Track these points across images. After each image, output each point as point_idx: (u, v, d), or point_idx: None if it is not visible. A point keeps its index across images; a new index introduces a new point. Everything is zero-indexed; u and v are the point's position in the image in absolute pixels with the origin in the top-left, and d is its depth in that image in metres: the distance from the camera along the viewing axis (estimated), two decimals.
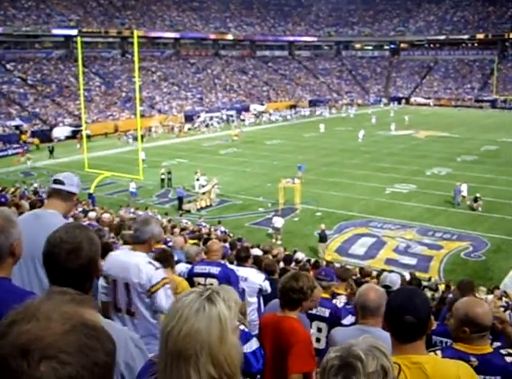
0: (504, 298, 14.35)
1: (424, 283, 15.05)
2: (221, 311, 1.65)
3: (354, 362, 1.67)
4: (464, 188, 29.82)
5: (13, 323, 1.09)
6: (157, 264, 4.51)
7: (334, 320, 5.34)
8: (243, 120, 68.01)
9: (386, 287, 5.80)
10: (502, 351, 3.49)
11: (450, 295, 9.43)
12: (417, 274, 17.16)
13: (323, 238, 23.27)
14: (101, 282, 4.57)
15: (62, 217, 3.87)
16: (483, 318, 3.31)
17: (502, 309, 11.33)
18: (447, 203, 29.96)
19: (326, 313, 5.55)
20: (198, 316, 1.62)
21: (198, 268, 6.56)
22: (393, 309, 2.89)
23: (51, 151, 45.55)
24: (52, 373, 1.00)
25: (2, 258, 2.65)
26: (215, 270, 6.26)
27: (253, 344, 4.01)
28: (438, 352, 3.29)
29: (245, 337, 3.97)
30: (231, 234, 23.03)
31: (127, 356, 2.41)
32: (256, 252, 13.46)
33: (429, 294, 11.12)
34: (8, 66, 67.06)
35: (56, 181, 4.02)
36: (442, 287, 15.65)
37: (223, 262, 6.93)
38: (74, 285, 2.35)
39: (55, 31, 72.67)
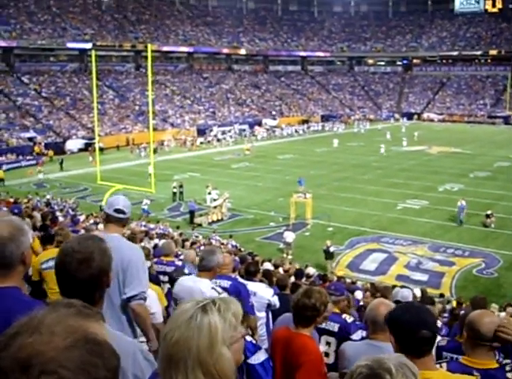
0: None
1: (436, 300, 14.93)
2: (212, 321, 1.66)
3: (383, 374, 1.67)
4: (462, 203, 29.39)
5: (16, 335, 1.07)
6: (220, 289, 5.09)
7: (343, 335, 5.30)
8: (255, 135, 68.09)
9: (398, 302, 5.76)
10: (507, 367, 3.49)
11: (462, 311, 9.36)
12: (428, 290, 17.06)
13: (328, 255, 23.15)
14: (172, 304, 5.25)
15: (125, 239, 4.51)
16: (483, 326, 3.31)
17: None
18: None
19: (335, 327, 5.51)
20: (190, 324, 1.64)
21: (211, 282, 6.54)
22: (405, 324, 2.84)
23: (61, 164, 45.78)
24: None
25: (13, 267, 2.66)
26: (225, 284, 6.24)
27: (260, 356, 3.98)
28: (444, 365, 3.30)
29: (252, 349, 3.95)
30: (242, 249, 23.00)
31: (136, 368, 2.41)
32: (267, 266, 13.45)
33: (440, 307, 11.01)
34: (23, 79, 67.79)
35: (118, 211, 4.45)
36: (453, 304, 15.53)
37: (233, 276, 6.92)
38: (84, 295, 2.35)
39: (70, 45, 73.45)
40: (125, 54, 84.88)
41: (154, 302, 6.15)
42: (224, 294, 4.91)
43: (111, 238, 4.02)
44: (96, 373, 1.04)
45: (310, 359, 3.99)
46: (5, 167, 45.04)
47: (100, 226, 17.46)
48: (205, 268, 5.26)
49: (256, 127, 72.30)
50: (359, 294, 13.78)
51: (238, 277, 7.08)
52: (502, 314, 13.17)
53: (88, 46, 71.90)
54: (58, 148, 53.57)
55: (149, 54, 29.16)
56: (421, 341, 2.77)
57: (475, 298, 7.35)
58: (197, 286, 4.95)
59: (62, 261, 2.49)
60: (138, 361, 2.45)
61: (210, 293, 4.82)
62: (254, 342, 4.09)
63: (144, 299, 4.33)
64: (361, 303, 9.79)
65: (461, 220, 28.84)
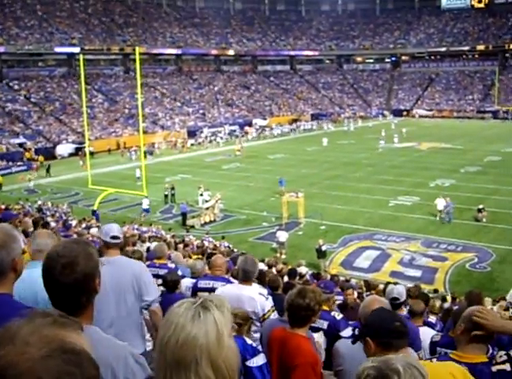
0: (511, 309, 14.27)
1: (430, 295, 14.98)
2: (216, 316, 1.69)
3: (391, 375, 1.68)
4: (441, 202, 29.17)
5: None
6: (266, 294, 5.60)
7: (333, 332, 5.32)
8: (243, 135, 68.00)
9: (394, 299, 5.78)
10: (496, 359, 3.50)
11: (456, 307, 9.39)
12: (422, 286, 17.10)
13: (321, 254, 23.17)
14: None
15: (126, 258, 5.33)
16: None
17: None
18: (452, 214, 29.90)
19: (325, 325, 5.53)
20: (194, 322, 1.65)
21: (202, 283, 6.55)
22: (380, 321, 3.07)
23: (48, 170, 45.51)
24: None
25: (4, 274, 2.64)
26: (220, 285, 6.25)
27: (260, 359, 3.98)
28: (434, 360, 3.32)
29: (252, 351, 3.95)
30: (235, 250, 22.99)
31: (127, 372, 2.41)
32: (260, 266, 13.44)
33: (438, 304, 11.02)
34: (11, 84, 67.53)
35: (114, 238, 5.08)
36: (448, 300, 15.58)
37: (227, 277, 6.92)
38: (70, 300, 2.33)
39: (58, 49, 73.22)
40: (113, 57, 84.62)
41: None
42: (268, 297, 5.51)
43: (118, 260, 4.86)
44: None
45: (306, 361, 3.98)
46: None
47: (92, 230, 17.43)
48: (249, 279, 5.63)
49: (246, 127, 72.27)
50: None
51: (231, 278, 7.09)
52: (495, 308, 13.22)
53: (76, 50, 71.69)
54: (49, 154, 53.35)
55: (137, 57, 29.07)
56: (396, 333, 2.96)
57: (470, 293, 7.33)
58: (247, 293, 5.40)
59: (46, 266, 2.45)
60: (130, 364, 2.44)
61: (260, 299, 5.37)
62: (254, 345, 4.09)
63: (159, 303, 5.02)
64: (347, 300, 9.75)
65: (449, 218, 28.68)
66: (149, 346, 6.18)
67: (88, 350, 1.12)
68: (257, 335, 5.01)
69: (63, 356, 1.03)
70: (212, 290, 6.29)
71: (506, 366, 3.35)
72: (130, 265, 4.88)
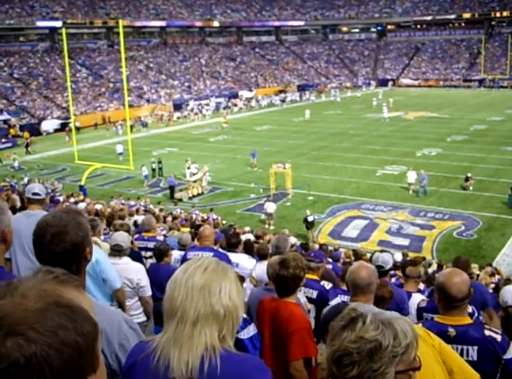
0: (497, 276, 14.47)
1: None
2: (227, 273, 1.97)
3: (357, 320, 1.75)
4: (412, 175, 28.79)
5: None
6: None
7: (322, 302, 5.36)
8: (229, 107, 67.69)
9: (379, 267, 5.82)
10: (486, 326, 3.57)
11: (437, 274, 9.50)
12: (410, 254, 17.27)
13: (309, 224, 23.25)
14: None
15: (45, 212, 4.82)
16: (453, 287, 3.37)
17: (492, 285, 11.44)
18: (438, 183, 30.04)
19: (314, 294, 5.57)
20: (226, 275, 1.95)
21: (191, 254, 6.58)
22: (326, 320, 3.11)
23: (26, 147, 45.04)
24: (17, 349, 0.97)
25: None
26: (207, 255, 6.28)
27: (250, 330, 4.01)
28: (419, 325, 3.36)
29: (243, 323, 3.96)
30: (224, 222, 23.05)
31: (121, 337, 2.44)
32: (248, 236, 13.51)
33: (422, 270, 11.19)
34: None
35: (35, 194, 5.46)
36: (434, 267, 15.76)
37: (215, 248, 6.96)
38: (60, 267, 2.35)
39: (40, 24, 72.06)
40: (96, 31, 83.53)
41: (143, 276, 6.20)
42: None
43: (38, 214, 4.66)
44: (66, 337, 1.02)
45: (300, 327, 4.03)
46: None
47: (80, 204, 17.39)
48: (281, 253, 5.71)
49: (236, 100, 71.85)
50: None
51: (219, 249, 7.13)
52: (481, 274, 13.38)
53: (58, 24, 70.67)
54: (34, 130, 52.81)
55: (121, 30, 28.70)
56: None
57: (457, 259, 7.34)
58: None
59: (37, 235, 2.48)
60: (123, 330, 2.47)
61: None
62: (244, 316, 4.11)
63: None
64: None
65: (425, 191, 28.24)
66: (140, 318, 6.23)
67: (86, 307, 1.14)
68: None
69: (58, 310, 1.05)
70: None
71: (498, 336, 3.42)
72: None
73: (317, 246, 15.80)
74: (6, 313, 1.03)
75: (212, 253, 6.39)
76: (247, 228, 19.41)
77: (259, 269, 6.24)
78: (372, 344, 1.69)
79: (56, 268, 1.26)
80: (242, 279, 4.84)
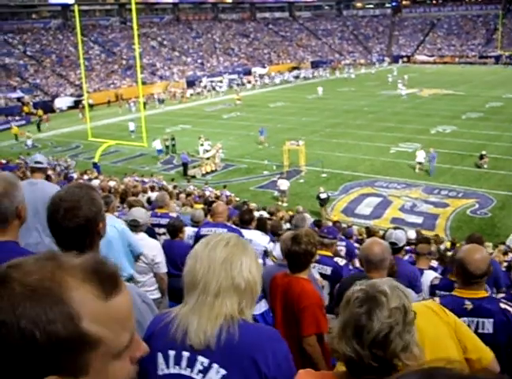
0: (510, 254, 14.41)
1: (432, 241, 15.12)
2: (247, 247, 2.09)
3: (379, 296, 1.83)
4: (421, 154, 28.42)
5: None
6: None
7: (336, 278, 5.37)
8: (243, 84, 67.43)
9: (392, 244, 5.82)
10: (501, 299, 3.59)
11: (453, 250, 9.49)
12: (423, 232, 17.25)
13: (322, 201, 23.20)
14: None
15: (47, 182, 5.63)
16: (472, 264, 3.38)
17: (505, 263, 11.40)
18: (453, 161, 29.85)
19: (328, 270, 5.58)
20: (246, 249, 2.06)
21: (204, 231, 6.61)
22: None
23: (38, 125, 45.28)
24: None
25: (8, 221, 2.66)
26: (221, 231, 6.30)
27: (262, 306, 4.03)
28: (437, 299, 3.38)
29: None
30: (237, 198, 23.09)
31: (135, 312, 2.45)
32: (262, 214, 13.53)
33: (434, 247, 11.21)
34: (6, 38, 66.53)
35: (37, 162, 5.80)
36: (447, 245, 15.73)
37: (228, 224, 6.98)
38: (73, 243, 2.37)
39: (52, 1, 71.83)
40: (109, 7, 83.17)
41: (159, 252, 6.24)
42: None
43: (40, 182, 5.19)
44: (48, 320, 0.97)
45: (312, 302, 4.05)
46: None
47: (94, 181, 17.46)
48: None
49: (249, 77, 71.51)
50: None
51: (232, 225, 7.14)
52: (494, 252, 13.33)
53: (71, 1, 70.05)
54: (47, 107, 52.89)
55: (133, 7, 28.56)
56: None
57: (471, 236, 7.37)
58: None
59: (50, 210, 2.50)
60: (137, 304, 2.49)
61: None
62: None
63: None
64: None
65: (431, 170, 27.89)
66: (154, 294, 6.27)
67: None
68: None
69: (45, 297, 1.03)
70: None
71: None
72: (51, 188, 4.81)
73: (330, 224, 15.81)
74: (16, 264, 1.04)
75: (225, 229, 6.40)
76: (253, 204, 19.38)
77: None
78: (403, 309, 1.83)
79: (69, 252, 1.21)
80: None
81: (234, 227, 7.15)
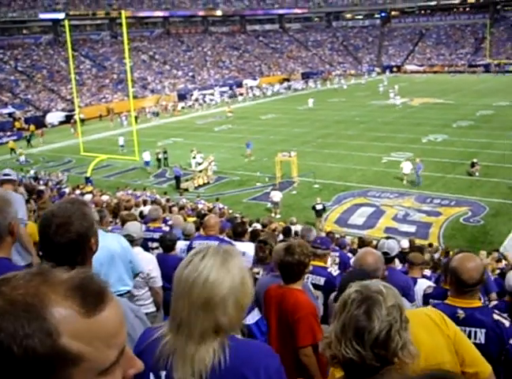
0: (504, 261, 14.45)
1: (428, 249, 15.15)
2: (239, 262, 1.98)
3: (375, 296, 1.85)
4: (407, 166, 28.22)
5: None
6: None
7: (330, 288, 5.37)
8: (234, 96, 67.58)
9: (385, 254, 5.83)
10: (495, 311, 3.59)
11: (446, 259, 9.52)
12: (417, 241, 17.28)
13: (316, 212, 23.23)
14: None
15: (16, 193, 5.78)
16: (465, 273, 3.39)
17: (498, 271, 11.43)
18: (444, 169, 29.97)
19: (322, 281, 5.58)
20: (223, 267, 1.92)
21: (196, 244, 6.62)
22: (343, 285, 3.11)
23: (29, 141, 45.29)
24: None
25: (2, 238, 2.66)
26: (212, 243, 6.30)
27: (255, 315, 4.02)
28: (429, 307, 3.38)
29: (248, 309, 3.97)
30: (231, 211, 23.08)
31: (127, 327, 2.45)
32: (256, 226, 13.53)
33: (428, 256, 11.26)
34: None
35: (6, 175, 6.35)
36: (441, 253, 15.75)
37: (221, 236, 6.98)
38: (65, 259, 2.36)
39: (42, 16, 71.78)
40: (99, 22, 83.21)
41: (155, 266, 6.22)
42: None
43: (9, 192, 5.04)
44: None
45: (306, 313, 4.04)
46: None
47: (87, 196, 17.42)
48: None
49: (241, 89, 71.67)
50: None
51: (225, 237, 7.14)
52: (487, 260, 13.38)
53: (61, 16, 70.33)
54: (39, 122, 52.85)
55: (124, 21, 28.64)
56: None
57: (460, 252, 7.42)
58: None
59: (42, 225, 2.49)
60: (129, 319, 2.49)
61: None
62: None
63: None
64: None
65: (418, 181, 27.75)
66: (150, 308, 6.26)
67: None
68: None
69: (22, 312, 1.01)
70: None
71: (506, 322, 3.44)
72: (17, 198, 4.93)
73: (323, 234, 15.81)
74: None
75: (216, 242, 6.40)
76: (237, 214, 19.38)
77: None
78: (398, 307, 1.86)
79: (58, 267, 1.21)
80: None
81: (226, 239, 7.15)
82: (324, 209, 23.57)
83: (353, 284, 1.95)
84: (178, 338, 1.92)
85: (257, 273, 5.66)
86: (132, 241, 6.13)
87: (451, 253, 14.69)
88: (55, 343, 0.97)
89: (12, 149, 41.81)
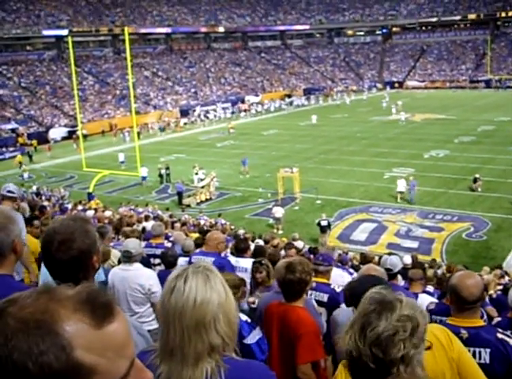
0: (507, 277, 14.39)
1: (426, 265, 15.12)
2: (221, 277, 1.97)
3: (394, 301, 1.89)
4: (401, 183, 28.01)
5: None
6: None
7: (333, 305, 5.35)
8: (236, 112, 67.85)
9: (387, 270, 5.82)
10: (498, 329, 3.57)
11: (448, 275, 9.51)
12: (420, 257, 17.22)
13: (320, 229, 23.20)
14: None
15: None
16: (465, 290, 3.38)
17: (500, 286, 11.39)
18: (446, 185, 29.97)
19: (325, 298, 5.56)
20: (207, 285, 1.90)
21: (194, 259, 6.64)
22: (358, 291, 3.12)
23: (30, 157, 45.43)
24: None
25: (4, 255, 2.67)
26: (209, 260, 6.33)
27: (256, 334, 4.00)
28: (444, 327, 3.37)
29: (248, 328, 3.96)
30: (233, 227, 23.06)
31: None
32: (258, 242, 13.51)
33: (431, 272, 11.26)
34: (0, 70, 66.93)
35: (9, 191, 6.51)
36: (444, 269, 15.69)
37: (218, 252, 6.99)
38: (67, 276, 2.37)
39: (46, 33, 72.42)
40: (102, 38, 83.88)
41: (155, 281, 6.23)
42: None
43: (8, 209, 5.03)
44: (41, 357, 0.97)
45: (308, 331, 4.04)
46: None
47: (88, 212, 17.44)
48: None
49: (244, 105, 71.90)
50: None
51: (222, 254, 7.13)
52: (488, 277, 13.32)
53: (65, 32, 70.95)
54: (42, 138, 53.12)
55: (127, 38, 28.85)
56: None
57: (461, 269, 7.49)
58: None
59: (44, 242, 2.49)
60: (132, 336, 2.48)
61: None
62: (249, 321, 4.10)
63: None
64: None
65: (411, 198, 27.60)
66: (153, 325, 6.24)
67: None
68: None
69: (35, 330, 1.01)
70: None
71: (511, 340, 3.43)
72: (18, 216, 5.07)
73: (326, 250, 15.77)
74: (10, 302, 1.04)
75: (214, 258, 6.44)
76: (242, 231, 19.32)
77: None
78: (414, 321, 1.85)
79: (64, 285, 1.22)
80: (244, 282, 4.86)
81: (223, 256, 7.13)
82: (329, 225, 23.54)
83: (379, 287, 1.98)
84: (172, 365, 1.90)
85: (253, 303, 5.60)
86: (130, 257, 6.15)
87: (454, 270, 14.66)
88: (70, 357, 0.98)
89: (20, 163, 42.10)
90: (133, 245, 6.28)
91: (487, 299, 7.21)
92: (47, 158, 45.87)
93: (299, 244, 16.74)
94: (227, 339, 1.89)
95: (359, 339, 1.85)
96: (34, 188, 31.85)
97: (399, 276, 6.57)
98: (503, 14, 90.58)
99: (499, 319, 5.05)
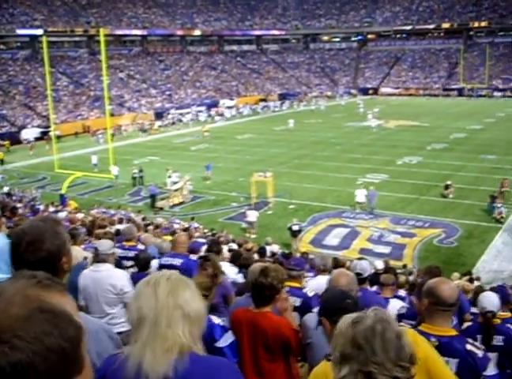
0: (476, 282, 14.55)
1: (398, 271, 15.20)
2: (189, 282, 2.05)
3: (386, 323, 1.84)
4: (360, 194, 27.59)
5: None
6: None
7: (305, 309, 5.37)
8: (210, 116, 67.78)
9: (357, 275, 5.85)
10: (469, 340, 3.59)
11: (420, 280, 9.57)
12: (391, 262, 17.34)
13: (292, 233, 23.24)
14: None
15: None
16: (444, 292, 3.40)
17: (471, 293, 11.50)
18: (419, 191, 30.24)
19: (298, 302, 5.57)
20: (186, 290, 2.01)
21: (163, 260, 6.66)
22: (328, 302, 3.30)
23: (1, 160, 44.67)
24: (2, 357, 0.98)
25: None
26: (177, 262, 6.35)
27: (228, 338, 3.99)
28: (413, 330, 3.37)
29: (220, 331, 3.94)
30: (206, 230, 22.99)
31: (98, 346, 2.43)
32: (232, 246, 13.51)
33: (403, 278, 11.33)
34: None
35: None
36: (415, 275, 15.81)
37: (187, 254, 6.98)
38: None
39: (20, 32, 71.57)
40: (77, 39, 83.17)
41: (127, 281, 6.18)
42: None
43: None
44: (50, 343, 1.03)
45: (292, 332, 4.09)
46: None
47: (60, 214, 17.27)
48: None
49: (215, 108, 71.89)
50: None
51: (193, 256, 7.12)
52: (461, 281, 13.46)
53: (39, 32, 70.17)
54: (14, 138, 52.45)
55: (102, 39, 28.69)
56: (347, 311, 2.91)
57: (429, 268, 7.50)
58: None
59: (13, 243, 2.46)
60: (101, 339, 2.47)
61: None
62: (221, 324, 4.07)
63: None
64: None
65: (372, 208, 27.38)
66: (124, 326, 6.19)
67: (71, 311, 1.14)
68: None
69: (42, 316, 1.05)
70: (170, 266, 6.33)
71: (479, 352, 3.44)
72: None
73: (298, 255, 15.83)
74: None
75: (181, 260, 6.44)
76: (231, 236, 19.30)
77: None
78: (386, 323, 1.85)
79: (39, 271, 1.24)
80: (210, 288, 4.86)
81: (192, 257, 7.10)
82: (300, 231, 23.59)
83: (366, 311, 1.93)
84: (142, 359, 1.90)
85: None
86: (102, 257, 6.11)
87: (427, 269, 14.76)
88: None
89: (1, 160, 41.93)
90: (106, 246, 6.24)
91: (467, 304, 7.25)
92: (29, 156, 45.70)
93: (274, 248, 16.76)
94: (196, 318, 1.98)
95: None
96: (5, 189, 31.42)
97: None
98: (476, 24, 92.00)
99: (470, 323, 5.10)
